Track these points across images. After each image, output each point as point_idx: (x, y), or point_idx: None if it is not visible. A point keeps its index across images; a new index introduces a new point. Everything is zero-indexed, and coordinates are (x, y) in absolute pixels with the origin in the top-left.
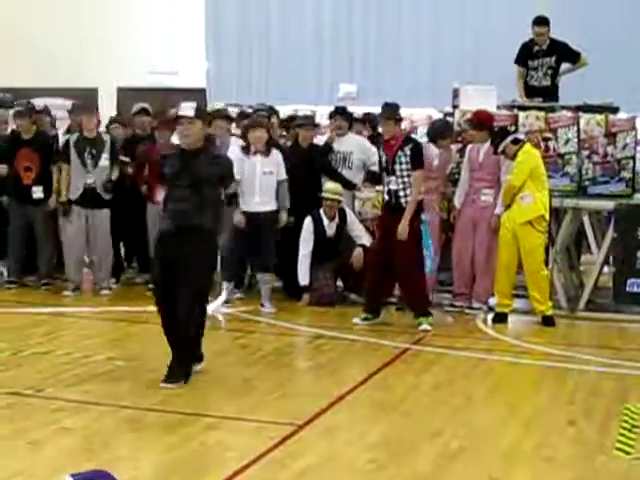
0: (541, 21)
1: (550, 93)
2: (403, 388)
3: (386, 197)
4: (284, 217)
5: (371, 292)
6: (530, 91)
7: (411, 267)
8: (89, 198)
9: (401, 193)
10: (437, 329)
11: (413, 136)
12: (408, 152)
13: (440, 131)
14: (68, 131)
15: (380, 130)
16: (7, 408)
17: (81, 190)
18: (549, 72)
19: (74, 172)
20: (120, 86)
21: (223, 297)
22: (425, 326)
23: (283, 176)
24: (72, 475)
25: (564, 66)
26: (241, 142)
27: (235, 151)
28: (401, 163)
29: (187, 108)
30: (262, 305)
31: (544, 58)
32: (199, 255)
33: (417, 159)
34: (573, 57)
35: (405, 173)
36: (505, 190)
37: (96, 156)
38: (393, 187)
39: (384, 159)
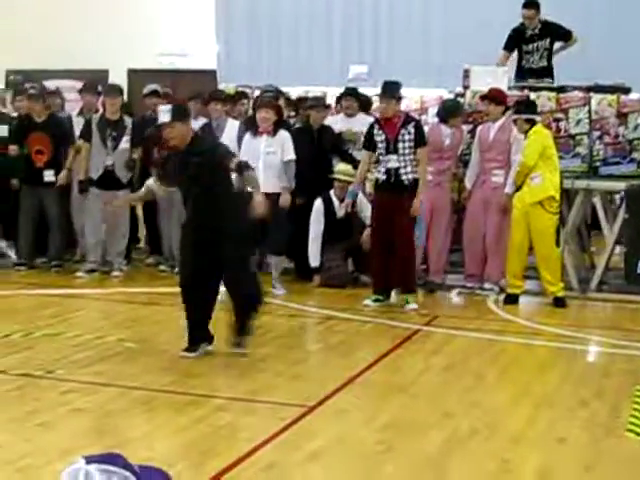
0: (529, 4)
1: (548, 73)
2: (414, 369)
3: (383, 176)
4: (287, 197)
5: (378, 273)
6: (526, 73)
7: (409, 246)
8: (108, 180)
9: (402, 171)
10: (448, 310)
11: (423, 117)
12: (412, 130)
13: (451, 110)
14: (81, 112)
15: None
16: (18, 390)
17: (100, 172)
18: (545, 53)
19: (94, 153)
20: (130, 68)
21: None
22: (413, 305)
23: (289, 156)
24: (85, 457)
25: (556, 45)
26: (237, 123)
27: (232, 133)
28: (404, 141)
29: (163, 113)
30: (273, 286)
31: (539, 41)
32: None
33: (421, 137)
34: (565, 36)
35: (408, 151)
36: (518, 170)
37: (117, 138)
38: (393, 165)
39: (382, 137)
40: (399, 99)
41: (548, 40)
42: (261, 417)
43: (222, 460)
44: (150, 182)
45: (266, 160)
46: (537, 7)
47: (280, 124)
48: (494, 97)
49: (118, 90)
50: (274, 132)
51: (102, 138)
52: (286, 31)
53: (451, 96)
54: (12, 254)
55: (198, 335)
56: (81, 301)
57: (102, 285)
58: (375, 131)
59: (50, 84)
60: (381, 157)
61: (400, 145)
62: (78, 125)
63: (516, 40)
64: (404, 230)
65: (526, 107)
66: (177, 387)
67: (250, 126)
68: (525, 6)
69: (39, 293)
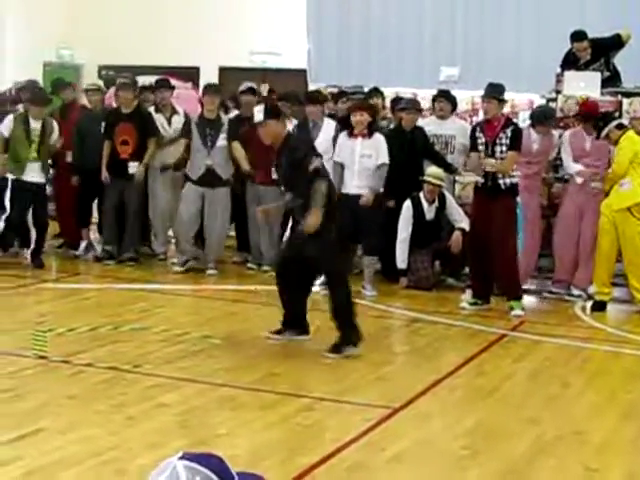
0: (580, 37)
1: (614, 79)
2: (499, 375)
3: (481, 179)
4: (369, 198)
5: (476, 277)
6: None
7: (509, 250)
8: (209, 178)
9: (499, 175)
10: (535, 316)
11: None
12: (509, 134)
13: (540, 119)
14: (157, 109)
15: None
16: (105, 383)
17: (202, 170)
18: (605, 67)
19: (195, 152)
20: (222, 66)
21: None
22: (517, 311)
23: (383, 160)
24: (184, 453)
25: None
26: (333, 123)
27: (329, 132)
28: (502, 145)
29: (257, 114)
30: (363, 287)
31: (595, 64)
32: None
33: (516, 142)
34: (617, 42)
35: (505, 155)
36: (608, 177)
37: (214, 136)
38: (490, 169)
39: (483, 140)
40: (501, 101)
41: (603, 59)
42: (347, 417)
43: (307, 459)
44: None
45: (361, 162)
46: (587, 37)
47: (374, 126)
48: (584, 115)
49: (217, 89)
50: (369, 134)
51: (202, 137)
52: (376, 32)
53: (542, 101)
54: (97, 248)
55: (286, 321)
56: (168, 297)
57: (189, 281)
58: (477, 133)
59: (142, 80)
60: (482, 160)
61: (497, 148)
62: (157, 122)
63: (572, 64)
64: (501, 234)
65: (605, 118)
66: (263, 385)
67: (345, 127)
68: (576, 39)
69: (127, 287)
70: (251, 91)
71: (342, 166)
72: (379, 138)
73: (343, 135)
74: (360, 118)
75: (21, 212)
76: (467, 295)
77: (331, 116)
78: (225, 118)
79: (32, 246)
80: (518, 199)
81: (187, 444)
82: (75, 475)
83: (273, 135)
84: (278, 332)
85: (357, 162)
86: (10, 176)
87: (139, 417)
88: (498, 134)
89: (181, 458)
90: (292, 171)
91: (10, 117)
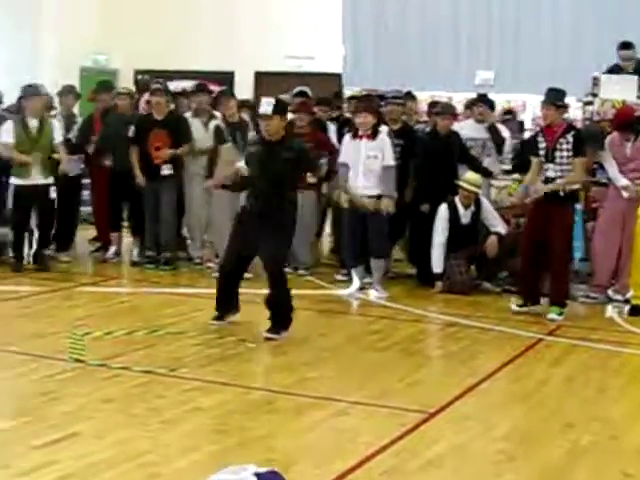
0: (628, 45)
1: None
2: (535, 379)
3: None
4: (385, 203)
5: (525, 280)
6: None
7: (564, 255)
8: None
9: (559, 181)
10: (571, 320)
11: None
12: (570, 139)
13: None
14: (196, 114)
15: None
16: (141, 387)
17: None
18: None
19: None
20: (257, 70)
21: (356, 284)
22: (553, 316)
23: (388, 162)
24: (256, 473)
25: None
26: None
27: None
28: (562, 150)
29: (265, 105)
30: (374, 289)
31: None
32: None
33: (580, 146)
34: None
35: (565, 160)
36: None
37: (243, 139)
38: (551, 174)
39: (543, 145)
40: (560, 107)
41: None
42: (382, 422)
43: (342, 463)
44: (240, 164)
45: (366, 164)
46: (634, 47)
47: (379, 127)
48: (619, 124)
49: (231, 92)
50: (373, 136)
51: (233, 140)
52: (412, 36)
53: (579, 105)
54: (134, 251)
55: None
56: (204, 301)
57: None
58: (539, 138)
59: (177, 85)
60: (542, 165)
61: (557, 154)
62: (193, 126)
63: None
64: (557, 241)
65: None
66: (298, 389)
67: (349, 128)
68: (623, 47)
69: (163, 291)
70: (303, 94)
71: (347, 166)
72: (384, 139)
73: (348, 136)
74: (364, 120)
75: (24, 216)
76: (514, 300)
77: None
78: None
79: (34, 247)
80: (578, 206)
81: (223, 448)
82: (110, 479)
83: (276, 129)
84: (218, 318)
85: (362, 163)
86: (14, 181)
87: (175, 421)
88: (558, 140)
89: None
90: (288, 167)
91: (9, 122)
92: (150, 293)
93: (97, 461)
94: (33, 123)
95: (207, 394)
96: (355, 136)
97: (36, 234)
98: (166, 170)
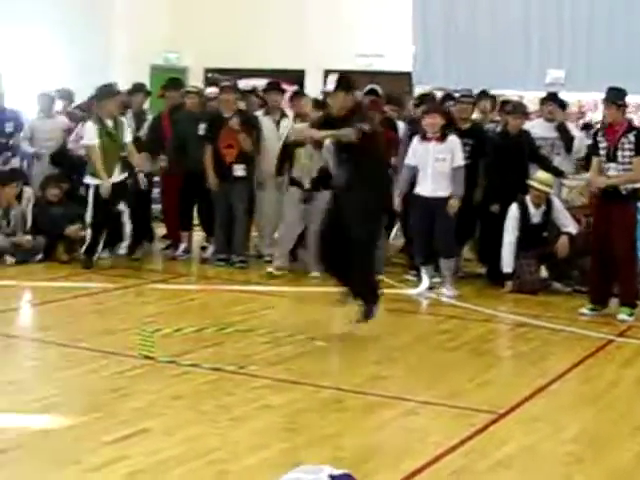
0: None
1: None
2: (606, 381)
3: (602, 185)
4: (455, 203)
5: (594, 282)
6: None
7: (629, 255)
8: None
9: (618, 178)
10: None
11: None
12: (632, 139)
13: None
14: (267, 112)
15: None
16: (210, 384)
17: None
18: None
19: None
20: (327, 68)
21: (425, 283)
22: (623, 316)
23: (458, 162)
24: (331, 475)
25: None
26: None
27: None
28: (624, 150)
29: (329, 84)
30: (445, 288)
31: None
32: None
33: None
34: None
35: (627, 160)
36: None
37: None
38: (613, 174)
39: (604, 145)
40: (620, 106)
41: None
42: (451, 422)
43: (411, 463)
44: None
45: (435, 166)
46: None
47: (449, 129)
48: None
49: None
50: (442, 138)
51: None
52: (483, 34)
53: None
54: (209, 251)
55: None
56: (273, 299)
57: (293, 283)
58: (599, 137)
59: (247, 83)
60: (603, 165)
61: (619, 153)
62: (264, 125)
63: None
64: (621, 240)
65: None
66: (368, 388)
67: (417, 129)
68: None
69: (233, 289)
70: (373, 92)
71: (414, 169)
72: (454, 140)
73: (416, 139)
74: (432, 121)
75: (104, 216)
76: (578, 301)
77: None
78: None
79: (129, 240)
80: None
81: (292, 446)
82: (180, 475)
83: (339, 106)
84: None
85: (431, 166)
86: (93, 181)
87: (244, 418)
88: (620, 139)
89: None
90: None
91: (89, 123)
92: (220, 290)
93: (167, 457)
94: (109, 123)
95: (276, 392)
96: (424, 138)
97: (129, 228)
98: (239, 171)
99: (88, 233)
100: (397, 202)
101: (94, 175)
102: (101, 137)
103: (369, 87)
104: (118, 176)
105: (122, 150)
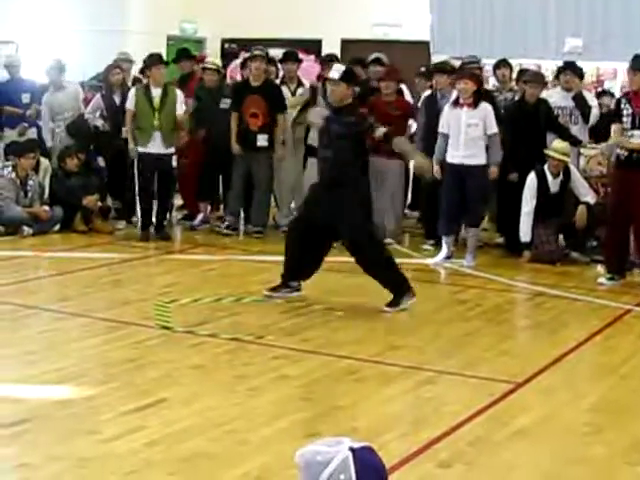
0: None
1: None
2: (624, 350)
3: (625, 152)
4: (495, 171)
5: (612, 251)
6: None
7: None
8: None
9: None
10: None
11: None
12: None
13: None
14: (282, 81)
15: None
16: (228, 354)
17: None
18: None
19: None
20: (344, 38)
21: (444, 252)
22: None
23: (493, 129)
24: (351, 449)
25: None
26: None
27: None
28: None
29: (334, 72)
30: (466, 258)
31: None
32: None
33: None
34: None
35: None
36: None
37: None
38: (637, 140)
39: (629, 112)
40: None
41: None
42: (468, 391)
43: (429, 432)
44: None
45: (468, 132)
46: None
47: (480, 95)
48: None
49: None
50: (475, 104)
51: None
52: (500, 2)
53: None
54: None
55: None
56: None
57: None
58: (622, 105)
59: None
60: (625, 132)
61: None
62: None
63: None
64: None
65: None
66: (385, 358)
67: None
68: None
69: (250, 259)
70: (378, 62)
71: (446, 136)
72: (486, 107)
73: (448, 105)
74: (464, 86)
75: (148, 183)
76: (601, 270)
77: None
78: None
79: (154, 218)
80: None
81: (309, 416)
82: (197, 445)
83: (340, 96)
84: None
85: (463, 132)
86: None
87: (262, 388)
88: None
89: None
90: (341, 140)
91: (132, 90)
92: (237, 261)
93: (184, 427)
94: (156, 92)
95: (293, 362)
96: (456, 104)
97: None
98: (262, 141)
99: (137, 205)
100: (436, 169)
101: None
102: (142, 104)
103: (374, 56)
104: (161, 148)
105: (172, 122)
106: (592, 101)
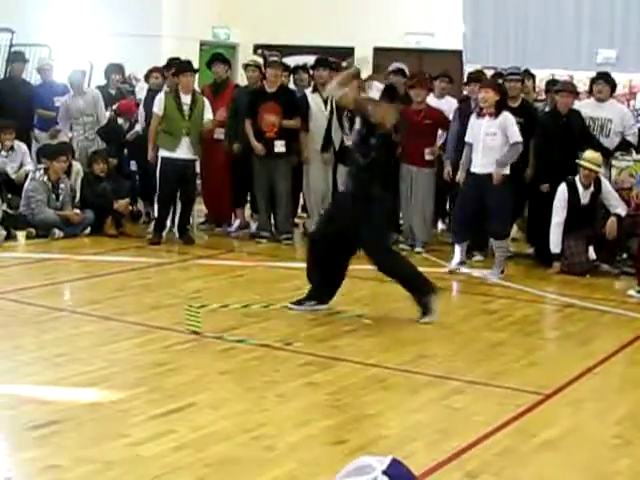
0: None
1: None
2: None
3: None
4: (498, 172)
5: None
6: None
7: None
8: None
9: None
10: None
11: None
12: None
13: None
14: (315, 89)
15: None
16: (257, 360)
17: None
18: None
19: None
20: (377, 46)
21: (457, 258)
22: None
23: (515, 139)
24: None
25: None
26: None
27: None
28: None
29: (375, 90)
30: (492, 271)
31: None
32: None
33: None
34: None
35: None
36: None
37: (352, 118)
38: None
39: None
40: None
41: None
42: (497, 402)
43: (457, 442)
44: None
45: (486, 141)
46: None
47: (503, 105)
48: None
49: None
50: (496, 114)
51: (338, 118)
52: (533, 13)
53: None
54: (253, 226)
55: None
56: None
57: None
58: None
59: (295, 60)
60: None
61: None
62: (313, 102)
63: None
64: None
65: None
66: (414, 367)
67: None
68: None
69: (280, 265)
70: (401, 72)
71: (471, 145)
72: (506, 117)
73: (473, 116)
74: (485, 95)
75: (170, 189)
76: (626, 283)
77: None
78: None
79: (177, 222)
80: None
81: (336, 423)
82: (225, 450)
83: (381, 114)
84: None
85: (482, 141)
86: (162, 153)
87: (290, 395)
88: None
89: (384, 473)
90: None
91: (161, 94)
92: (267, 267)
93: (212, 432)
94: (186, 99)
95: (322, 369)
96: (479, 115)
97: (179, 209)
98: (280, 147)
99: (155, 209)
100: (462, 176)
101: (162, 147)
102: (172, 110)
103: (395, 66)
104: (187, 154)
105: (199, 129)
106: (630, 120)
